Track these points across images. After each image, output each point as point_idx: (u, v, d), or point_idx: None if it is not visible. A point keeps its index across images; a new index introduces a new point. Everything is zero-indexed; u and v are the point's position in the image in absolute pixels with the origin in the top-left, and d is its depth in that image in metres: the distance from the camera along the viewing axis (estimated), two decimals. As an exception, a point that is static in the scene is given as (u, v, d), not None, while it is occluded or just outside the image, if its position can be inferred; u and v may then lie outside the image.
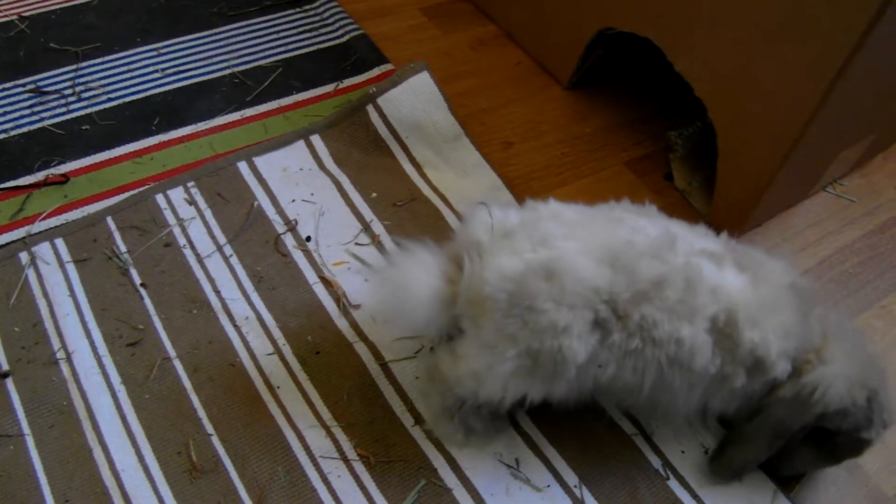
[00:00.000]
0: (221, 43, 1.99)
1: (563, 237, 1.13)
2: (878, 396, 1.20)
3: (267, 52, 1.98)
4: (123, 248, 1.52)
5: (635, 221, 1.20)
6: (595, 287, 1.09)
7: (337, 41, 2.03)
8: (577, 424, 1.34)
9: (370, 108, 1.76)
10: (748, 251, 1.25)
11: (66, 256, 1.50)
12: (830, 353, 1.20)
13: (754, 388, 1.20)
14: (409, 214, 1.62)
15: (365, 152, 1.73)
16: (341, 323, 1.44)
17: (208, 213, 1.59)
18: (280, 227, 1.58)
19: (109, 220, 1.56)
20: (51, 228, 1.55)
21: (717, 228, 1.65)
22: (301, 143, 1.74)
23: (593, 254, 1.11)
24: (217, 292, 1.47)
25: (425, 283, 1.15)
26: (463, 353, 1.18)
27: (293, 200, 1.63)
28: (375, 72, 1.94)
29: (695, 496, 1.30)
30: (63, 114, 1.77)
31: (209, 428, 1.30)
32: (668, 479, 1.31)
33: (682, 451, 1.34)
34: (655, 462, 1.33)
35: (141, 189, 1.63)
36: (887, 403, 1.22)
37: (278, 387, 1.36)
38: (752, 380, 1.18)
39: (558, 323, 1.07)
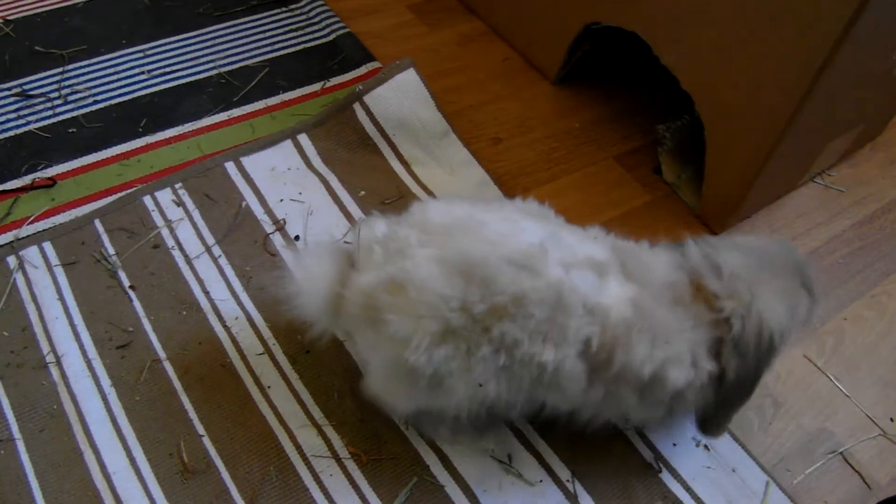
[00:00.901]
0: (208, 43, 1.98)
1: (419, 245, 1.07)
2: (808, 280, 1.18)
3: (253, 52, 1.97)
4: (112, 251, 1.51)
5: (514, 224, 1.12)
6: (442, 295, 1.03)
7: (323, 40, 2.03)
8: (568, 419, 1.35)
9: (357, 107, 1.76)
10: (636, 252, 1.18)
11: (54, 260, 1.49)
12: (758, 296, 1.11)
13: (665, 396, 1.12)
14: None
15: (352, 151, 1.73)
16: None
17: (196, 214, 1.59)
18: (268, 227, 1.58)
19: (97, 222, 1.56)
20: (38, 232, 1.54)
21: (706, 221, 1.69)
22: (288, 143, 1.73)
23: (446, 261, 1.05)
24: (206, 293, 1.47)
25: (320, 284, 1.14)
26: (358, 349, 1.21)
27: (281, 200, 1.63)
28: (362, 70, 1.94)
29: (687, 489, 1.30)
30: (49, 117, 1.77)
31: (200, 429, 1.30)
32: (661, 472, 1.31)
33: (674, 444, 1.34)
34: (647, 455, 1.33)
35: (128, 191, 1.62)
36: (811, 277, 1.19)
37: (269, 386, 1.35)
38: (651, 394, 1.12)
39: (398, 333, 1.04)
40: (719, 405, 1.17)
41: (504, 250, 1.06)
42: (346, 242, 1.55)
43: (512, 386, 1.10)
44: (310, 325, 1.18)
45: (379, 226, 1.15)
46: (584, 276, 1.08)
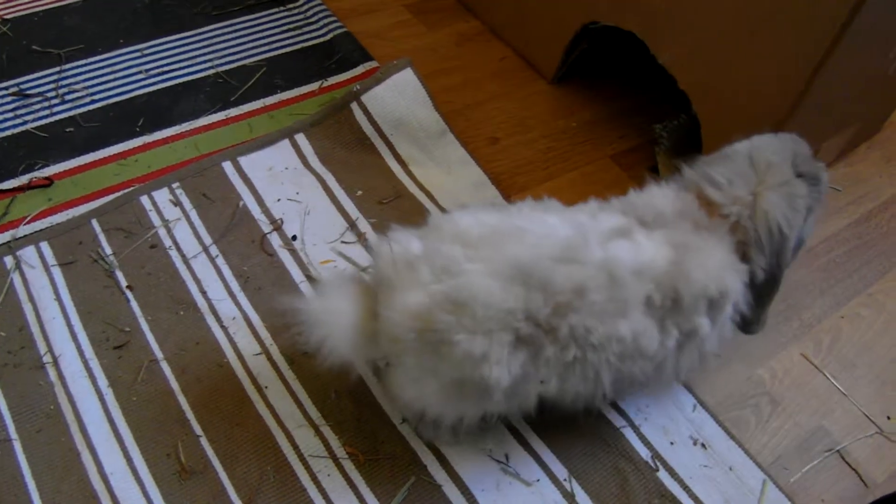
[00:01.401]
0: (205, 43, 1.98)
1: (467, 260, 1.06)
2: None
3: (251, 52, 1.97)
4: (109, 251, 1.51)
5: (543, 223, 1.13)
6: (508, 309, 1.04)
7: (321, 39, 2.03)
8: (565, 418, 1.34)
9: (354, 106, 1.76)
10: (643, 202, 1.22)
11: (51, 260, 1.49)
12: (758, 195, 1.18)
13: (727, 305, 1.18)
14: (395, 212, 1.62)
15: (350, 150, 1.73)
16: (329, 321, 1.44)
17: (194, 214, 1.59)
18: (266, 227, 1.58)
19: (94, 222, 1.55)
20: (35, 232, 1.54)
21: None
22: (286, 143, 1.73)
23: (501, 273, 1.05)
24: (203, 293, 1.47)
25: (347, 318, 1.11)
26: (397, 383, 1.16)
27: (279, 200, 1.63)
28: (360, 69, 1.94)
29: (685, 487, 1.30)
30: (46, 116, 1.77)
31: (198, 429, 1.30)
32: (658, 470, 1.32)
33: (672, 443, 1.35)
34: (644, 453, 1.33)
35: (126, 191, 1.62)
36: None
37: (266, 387, 1.35)
38: (719, 311, 1.17)
39: (474, 352, 1.04)
40: (756, 303, 1.23)
41: (548, 250, 1.08)
42: (343, 242, 1.56)
43: (587, 375, 1.13)
44: (346, 368, 1.16)
45: (412, 242, 1.12)
46: (619, 245, 1.11)
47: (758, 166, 1.20)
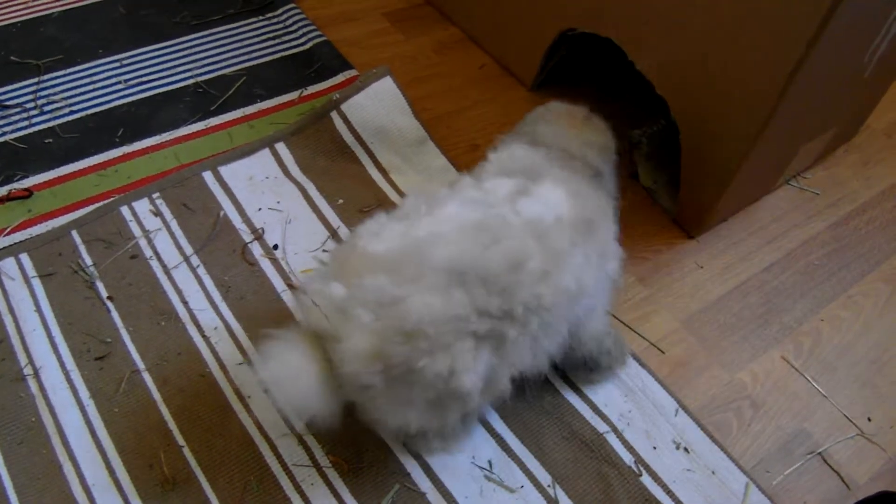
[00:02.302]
0: (184, 52, 1.98)
1: (396, 286, 1.03)
2: None
3: (230, 61, 1.97)
4: (89, 262, 1.51)
5: (446, 218, 1.11)
6: (457, 316, 1.02)
7: (300, 48, 2.03)
8: (548, 424, 1.35)
9: (334, 115, 1.76)
10: (509, 157, 1.27)
11: (31, 271, 1.48)
12: None
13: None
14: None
15: (330, 159, 1.73)
16: (311, 330, 1.44)
17: (174, 224, 1.58)
18: (247, 236, 1.58)
19: (74, 233, 1.55)
20: (15, 244, 1.53)
21: (683, 225, 1.69)
22: (266, 152, 1.73)
23: (436, 285, 1.03)
24: (185, 303, 1.46)
25: (307, 378, 1.05)
26: (377, 417, 1.12)
27: (259, 209, 1.63)
28: (339, 78, 1.94)
29: (668, 491, 1.31)
30: (25, 127, 1.76)
31: (180, 440, 1.29)
32: (641, 475, 1.32)
33: (654, 448, 1.35)
34: (628, 458, 1.33)
35: (106, 201, 1.61)
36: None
37: (249, 396, 1.35)
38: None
39: (441, 371, 1.02)
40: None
41: (468, 241, 1.07)
42: (324, 251, 1.56)
43: (551, 337, 1.15)
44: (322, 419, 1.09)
45: (333, 287, 1.06)
46: (528, 205, 1.14)
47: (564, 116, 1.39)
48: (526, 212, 1.12)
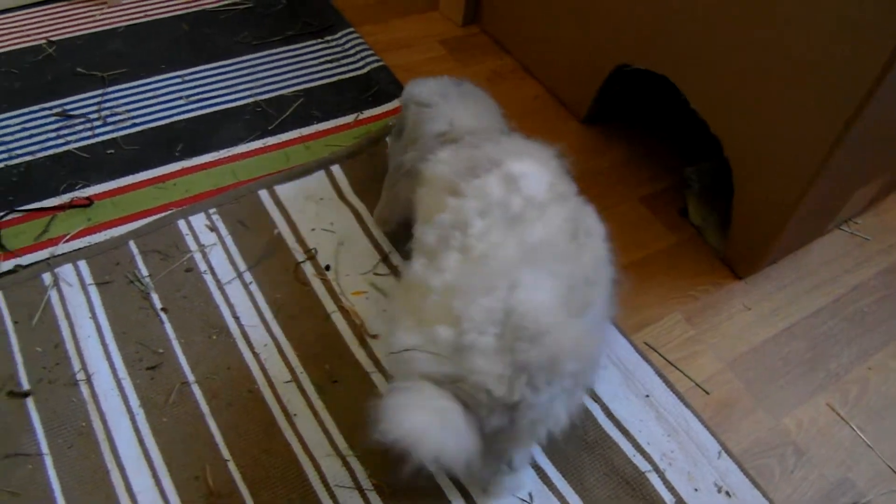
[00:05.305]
0: (245, 72, 2.02)
1: (501, 298, 1.04)
2: None
3: (289, 82, 2.00)
4: (145, 272, 1.54)
5: (497, 245, 1.12)
6: (496, 348, 1.02)
7: (357, 72, 2.06)
8: (590, 459, 1.35)
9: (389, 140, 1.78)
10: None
11: (88, 279, 1.52)
12: None
13: None
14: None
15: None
16: (359, 353, 1.46)
17: (229, 240, 1.61)
18: (300, 256, 1.60)
19: (132, 243, 1.58)
20: (74, 250, 1.57)
21: (731, 265, 1.69)
22: (321, 173, 1.76)
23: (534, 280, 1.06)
24: (236, 318, 1.49)
25: (448, 420, 1.01)
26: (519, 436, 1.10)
27: (313, 229, 1.65)
28: (395, 103, 1.96)
29: (707, 533, 1.30)
30: (88, 138, 1.80)
31: (226, 454, 1.31)
32: (681, 515, 1.32)
33: (696, 490, 1.34)
34: (668, 499, 1.33)
35: (163, 214, 1.65)
36: None
37: (295, 414, 1.37)
38: None
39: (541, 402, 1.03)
40: None
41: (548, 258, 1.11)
42: (375, 274, 1.57)
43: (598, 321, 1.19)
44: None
45: (440, 331, 1.05)
46: (554, 209, 1.18)
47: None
48: (552, 212, 1.17)
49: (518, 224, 1.13)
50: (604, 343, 1.20)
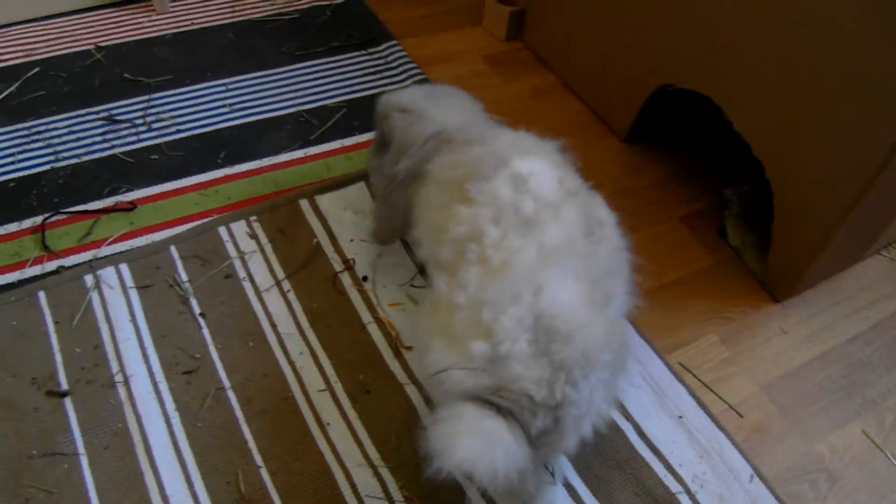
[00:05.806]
0: (288, 81, 2.04)
1: (528, 305, 1.04)
2: None
3: (332, 93, 2.03)
4: (185, 277, 1.56)
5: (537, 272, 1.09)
6: (531, 354, 1.02)
7: (399, 85, 2.08)
8: (621, 479, 1.35)
9: (430, 153, 1.79)
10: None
11: (129, 282, 1.54)
12: None
13: None
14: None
15: (424, 196, 1.76)
16: (393, 364, 1.46)
17: (269, 248, 1.63)
18: (338, 266, 1.61)
19: (173, 248, 1.60)
20: (116, 253, 1.59)
21: (769, 288, 1.68)
22: (361, 185, 1.77)
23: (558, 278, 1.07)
24: (273, 326, 1.50)
25: (499, 437, 0.98)
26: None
27: (352, 240, 1.66)
28: (436, 116, 1.97)
29: (738, 558, 1.29)
30: (133, 142, 1.83)
31: (258, 460, 1.32)
32: (712, 539, 1.31)
33: (727, 513, 1.34)
34: (700, 523, 1.32)
35: (205, 220, 1.67)
36: None
37: (328, 423, 1.38)
38: None
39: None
40: None
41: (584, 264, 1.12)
42: (412, 286, 1.58)
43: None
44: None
45: (474, 347, 1.04)
46: (568, 207, 1.18)
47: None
48: (566, 210, 1.17)
49: (533, 227, 1.12)
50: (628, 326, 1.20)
